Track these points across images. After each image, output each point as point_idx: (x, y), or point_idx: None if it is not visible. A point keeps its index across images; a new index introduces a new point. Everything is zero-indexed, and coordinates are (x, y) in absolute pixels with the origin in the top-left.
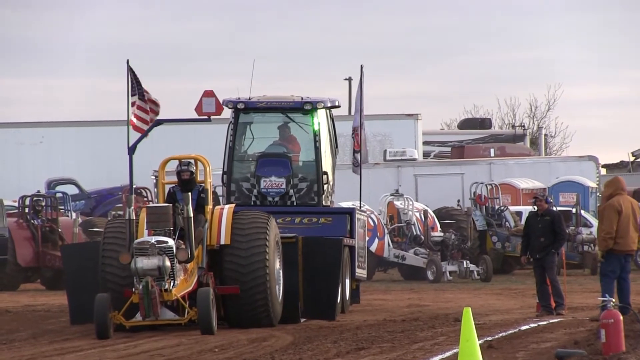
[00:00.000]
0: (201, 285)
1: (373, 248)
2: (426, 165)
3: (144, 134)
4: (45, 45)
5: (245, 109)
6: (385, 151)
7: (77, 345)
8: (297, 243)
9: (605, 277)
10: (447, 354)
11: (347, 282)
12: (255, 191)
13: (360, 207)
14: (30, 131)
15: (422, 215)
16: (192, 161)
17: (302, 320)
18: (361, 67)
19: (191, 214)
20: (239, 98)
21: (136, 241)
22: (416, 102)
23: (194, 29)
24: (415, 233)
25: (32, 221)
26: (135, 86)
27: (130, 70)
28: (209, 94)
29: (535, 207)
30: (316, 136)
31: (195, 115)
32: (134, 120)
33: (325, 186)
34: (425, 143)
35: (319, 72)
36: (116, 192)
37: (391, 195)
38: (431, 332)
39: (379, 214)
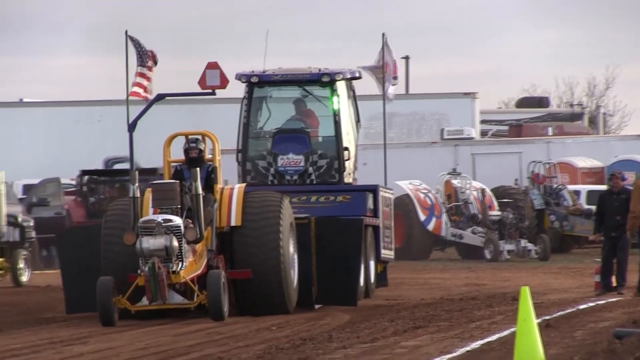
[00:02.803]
0: (211, 269)
1: (430, 227)
2: (484, 144)
3: (145, 109)
4: (102, 25)
5: (259, 83)
6: (442, 130)
7: (132, 323)
8: (310, 224)
9: None
10: (505, 332)
11: (372, 264)
12: (272, 170)
13: (385, 184)
14: (87, 109)
15: (480, 194)
16: (200, 137)
17: (317, 306)
18: (383, 35)
19: (200, 191)
20: (252, 71)
21: (141, 220)
22: (473, 81)
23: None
24: (472, 212)
25: (89, 199)
26: (142, 55)
27: (131, 39)
28: (212, 65)
29: (611, 185)
30: (336, 110)
31: (199, 89)
32: (140, 90)
33: (347, 163)
34: (482, 122)
35: (370, 51)
36: None
37: (449, 174)
38: (489, 311)
39: (437, 193)
